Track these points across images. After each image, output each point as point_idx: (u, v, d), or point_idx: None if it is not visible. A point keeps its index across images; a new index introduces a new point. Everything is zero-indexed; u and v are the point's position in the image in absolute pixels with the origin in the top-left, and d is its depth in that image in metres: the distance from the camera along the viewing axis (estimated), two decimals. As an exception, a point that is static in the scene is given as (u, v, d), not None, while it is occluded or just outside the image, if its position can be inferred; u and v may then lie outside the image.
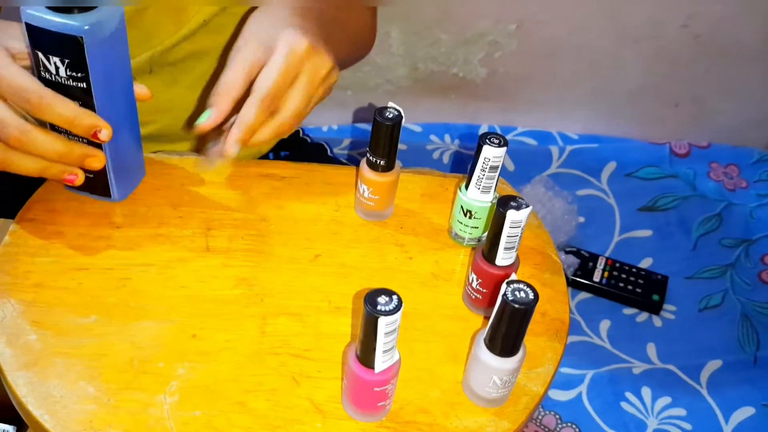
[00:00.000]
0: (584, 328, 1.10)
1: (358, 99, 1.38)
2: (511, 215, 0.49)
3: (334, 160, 0.95)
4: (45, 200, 0.60)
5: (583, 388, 1.02)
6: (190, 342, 0.51)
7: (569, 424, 0.99)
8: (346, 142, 1.35)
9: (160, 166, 0.64)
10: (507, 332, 0.45)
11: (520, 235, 0.51)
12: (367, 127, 1.38)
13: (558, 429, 0.98)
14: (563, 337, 0.56)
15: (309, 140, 1.02)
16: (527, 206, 0.50)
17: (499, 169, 0.56)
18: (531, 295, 0.44)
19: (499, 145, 0.54)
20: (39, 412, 0.46)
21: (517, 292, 0.44)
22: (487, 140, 0.55)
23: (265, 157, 0.88)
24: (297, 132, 1.00)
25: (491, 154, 0.55)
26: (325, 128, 1.37)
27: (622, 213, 1.26)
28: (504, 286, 0.44)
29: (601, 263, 1.16)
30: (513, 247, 0.51)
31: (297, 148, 0.98)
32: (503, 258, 0.52)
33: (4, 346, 0.49)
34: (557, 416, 0.99)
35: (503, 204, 0.49)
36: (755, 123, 1.39)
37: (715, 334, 1.09)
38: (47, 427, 0.45)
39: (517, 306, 0.43)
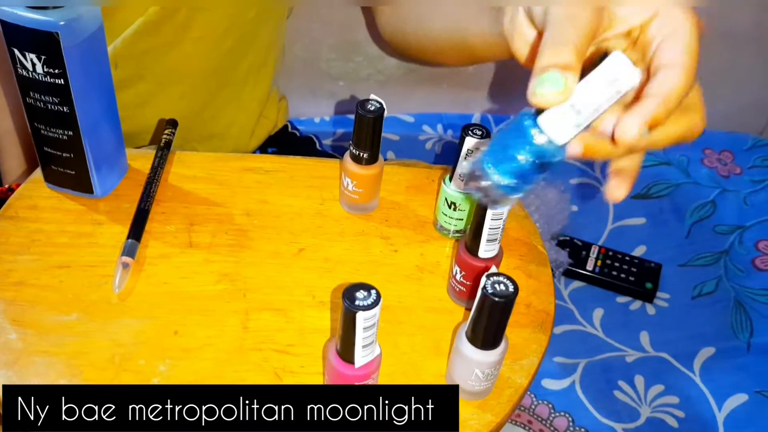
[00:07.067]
0: (577, 317, 1.09)
1: (350, 89, 1.37)
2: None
3: (322, 154, 0.95)
4: (26, 197, 0.60)
5: (576, 377, 1.02)
6: (171, 339, 0.51)
7: (562, 414, 0.98)
8: (339, 133, 1.34)
9: (143, 161, 0.63)
10: (488, 325, 0.45)
11: (502, 227, 0.50)
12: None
13: (551, 418, 0.98)
14: (548, 328, 0.55)
15: (298, 134, 1.01)
16: (509, 198, 0.49)
17: (482, 160, 0.56)
18: (511, 288, 0.44)
19: (482, 137, 0.54)
20: (19, 411, 0.46)
21: (497, 285, 0.44)
22: (469, 131, 0.54)
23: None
24: (286, 126, 1.00)
25: (474, 146, 0.54)
26: (317, 119, 1.36)
27: (615, 201, 1.25)
28: (483, 279, 0.44)
29: (594, 252, 1.16)
30: (495, 239, 0.51)
31: (285, 143, 0.98)
32: (486, 250, 0.51)
33: (-16, 346, 0.49)
34: (550, 405, 0.99)
35: (485, 196, 0.49)
36: (750, 108, 1.37)
37: (709, 321, 1.09)
38: (27, 427, 0.45)
39: (497, 299, 0.43)
